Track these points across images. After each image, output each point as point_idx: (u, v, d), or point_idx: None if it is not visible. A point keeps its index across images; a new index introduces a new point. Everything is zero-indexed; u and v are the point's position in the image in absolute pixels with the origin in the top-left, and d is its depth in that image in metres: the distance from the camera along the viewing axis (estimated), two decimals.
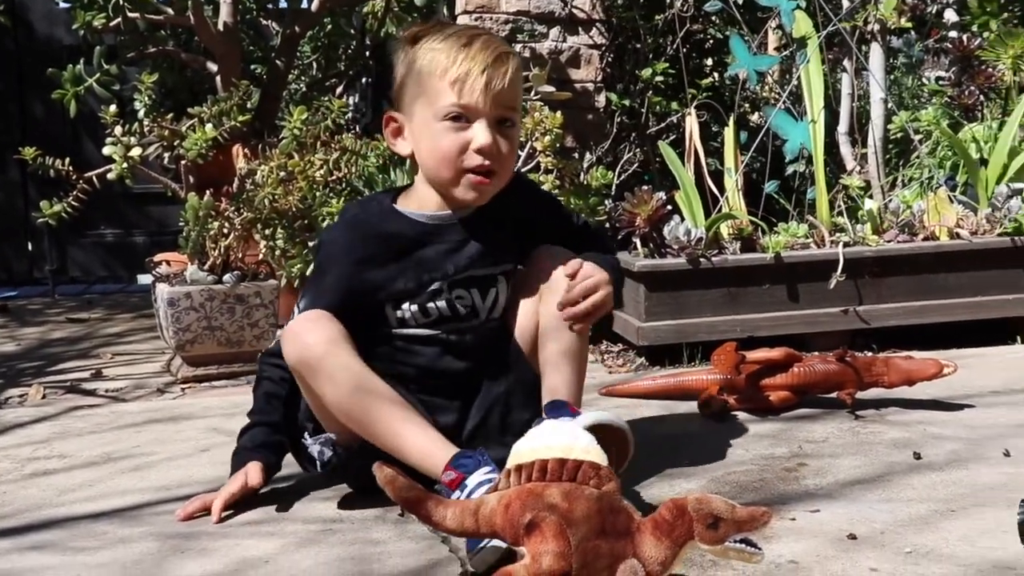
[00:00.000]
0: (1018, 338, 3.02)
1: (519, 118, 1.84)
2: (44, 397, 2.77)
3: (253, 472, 1.84)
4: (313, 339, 1.72)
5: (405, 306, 1.81)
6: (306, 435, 1.86)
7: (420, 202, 1.84)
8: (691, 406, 2.39)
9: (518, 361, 1.88)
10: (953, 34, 4.39)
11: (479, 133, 1.73)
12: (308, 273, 2.77)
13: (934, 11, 4.82)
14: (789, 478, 1.92)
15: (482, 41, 1.75)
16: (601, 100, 3.81)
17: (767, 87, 4.49)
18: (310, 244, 2.82)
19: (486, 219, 1.84)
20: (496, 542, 1.45)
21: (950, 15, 4.43)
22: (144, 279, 4.87)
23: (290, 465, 2.02)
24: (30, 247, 4.96)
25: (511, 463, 1.45)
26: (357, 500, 1.86)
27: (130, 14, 3.28)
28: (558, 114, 3.05)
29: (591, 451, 1.43)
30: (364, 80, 4.28)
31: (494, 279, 1.87)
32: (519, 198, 1.88)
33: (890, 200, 3.21)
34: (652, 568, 1.33)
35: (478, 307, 1.86)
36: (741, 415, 2.35)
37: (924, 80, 4.58)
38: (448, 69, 1.72)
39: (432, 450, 1.69)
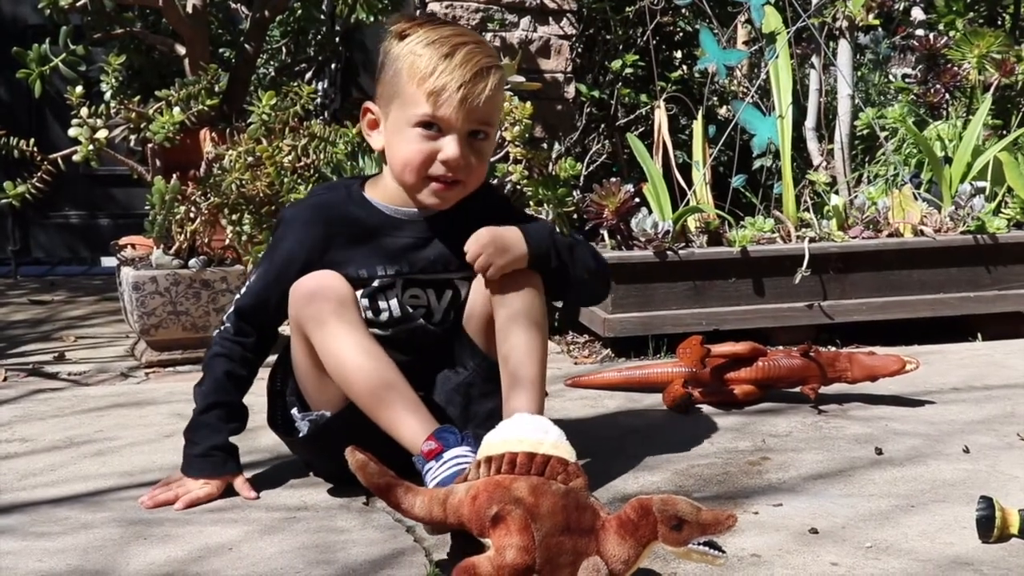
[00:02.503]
0: (978, 335, 3.05)
1: (495, 130, 1.83)
2: (5, 380, 2.73)
3: (243, 489, 1.83)
4: (325, 295, 1.73)
5: (357, 295, 1.80)
6: (295, 411, 1.87)
7: (386, 194, 1.84)
8: (656, 399, 2.40)
9: (474, 352, 1.87)
10: (920, 32, 4.45)
11: (448, 146, 1.72)
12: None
13: (901, 8, 4.87)
14: (752, 472, 1.93)
15: (466, 52, 1.72)
16: (571, 91, 3.81)
17: (736, 81, 4.51)
18: None
19: (452, 222, 1.82)
20: None
21: (917, 13, 4.48)
22: (108, 262, 4.81)
23: (253, 452, 2.02)
24: None
25: (481, 454, 1.46)
26: (322, 489, 1.85)
27: None
28: (528, 104, 3.04)
29: (560, 446, 1.44)
30: (334, 66, 4.25)
31: (451, 283, 1.86)
32: (490, 209, 1.86)
33: (856, 196, 3.24)
34: (615, 567, 1.34)
35: (433, 308, 1.86)
36: (706, 408, 2.36)
37: (891, 77, 4.61)
38: (426, 78, 1.70)
39: (417, 426, 1.70)
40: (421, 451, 1.66)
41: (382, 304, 1.83)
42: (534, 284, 1.79)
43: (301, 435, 1.85)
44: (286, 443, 1.92)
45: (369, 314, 1.82)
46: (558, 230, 1.93)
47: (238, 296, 1.88)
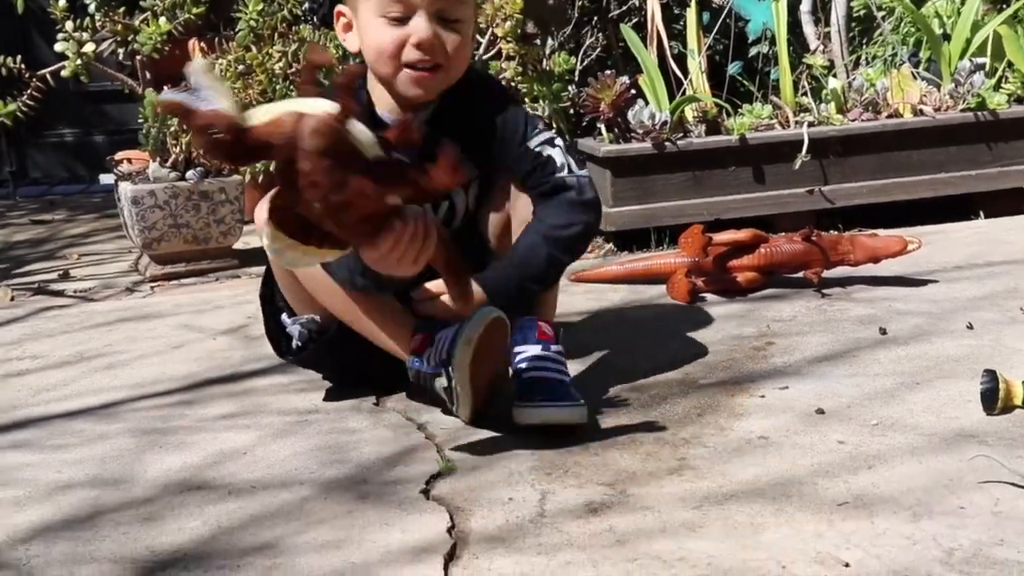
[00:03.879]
0: (980, 213, 3.04)
1: (469, 15, 1.73)
2: (12, 299, 2.74)
3: None
4: None
5: None
6: (284, 316, 1.84)
7: (382, 100, 1.79)
8: (660, 290, 2.40)
9: (490, 258, 1.79)
10: None
11: (417, 27, 1.65)
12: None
13: None
14: (758, 357, 1.94)
15: None
16: None
17: None
18: None
19: (443, 125, 1.76)
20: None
21: None
22: (106, 179, 4.80)
23: (261, 359, 2.03)
24: None
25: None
26: (331, 392, 1.87)
27: None
28: None
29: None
30: None
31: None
32: (483, 104, 1.78)
33: (854, 79, 3.19)
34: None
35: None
36: (709, 297, 2.36)
37: None
38: None
39: (401, 329, 1.70)
40: (412, 348, 1.67)
41: None
42: None
43: (292, 357, 1.84)
44: (285, 360, 1.90)
45: None
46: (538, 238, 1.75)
47: None
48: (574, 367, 1.85)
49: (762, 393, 1.75)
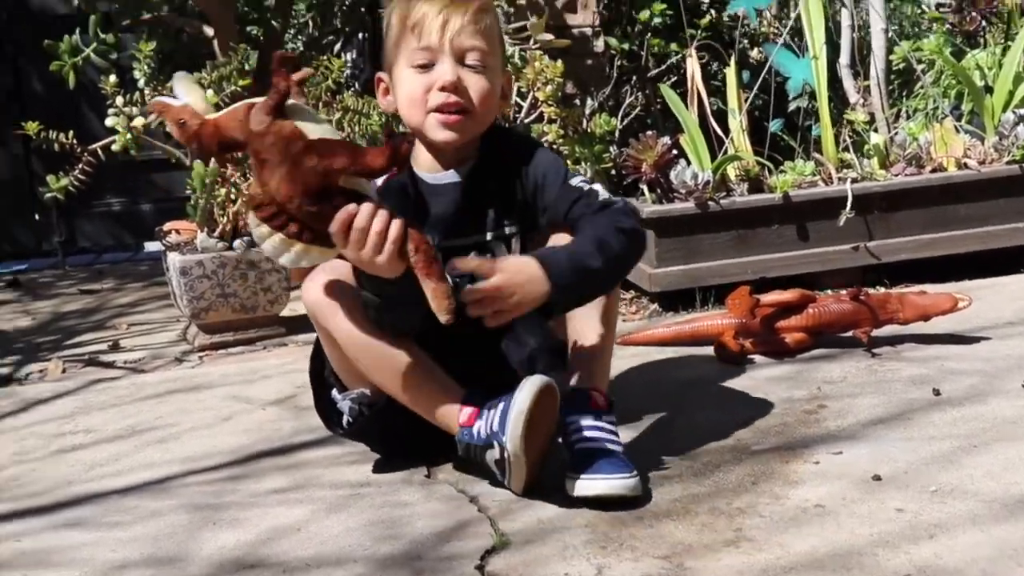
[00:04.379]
0: None
1: (495, 64, 1.76)
2: (64, 371, 2.77)
3: None
4: (328, 286, 1.73)
5: None
6: (334, 392, 1.85)
7: (423, 161, 1.81)
8: (707, 351, 2.39)
9: (534, 326, 1.76)
10: None
11: (442, 71, 1.71)
12: None
13: None
14: (810, 420, 1.92)
15: None
16: (599, 45, 3.76)
17: (765, 22, 4.44)
18: None
19: (483, 179, 1.78)
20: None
21: None
22: (151, 246, 4.87)
23: (312, 431, 2.03)
24: (37, 219, 4.94)
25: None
26: (382, 464, 1.87)
27: None
28: (559, 63, 3.01)
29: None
30: (361, 36, 4.24)
31: (486, 246, 1.79)
32: (521, 157, 1.80)
33: (896, 133, 3.18)
34: None
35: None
36: (758, 358, 2.35)
37: (924, 8, 4.52)
38: (409, 15, 1.72)
39: (447, 404, 1.70)
40: (460, 424, 1.68)
41: None
42: None
43: (343, 431, 1.85)
44: (335, 434, 1.91)
45: None
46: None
47: None
48: (624, 433, 1.82)
49: (816, 459, 1.73)
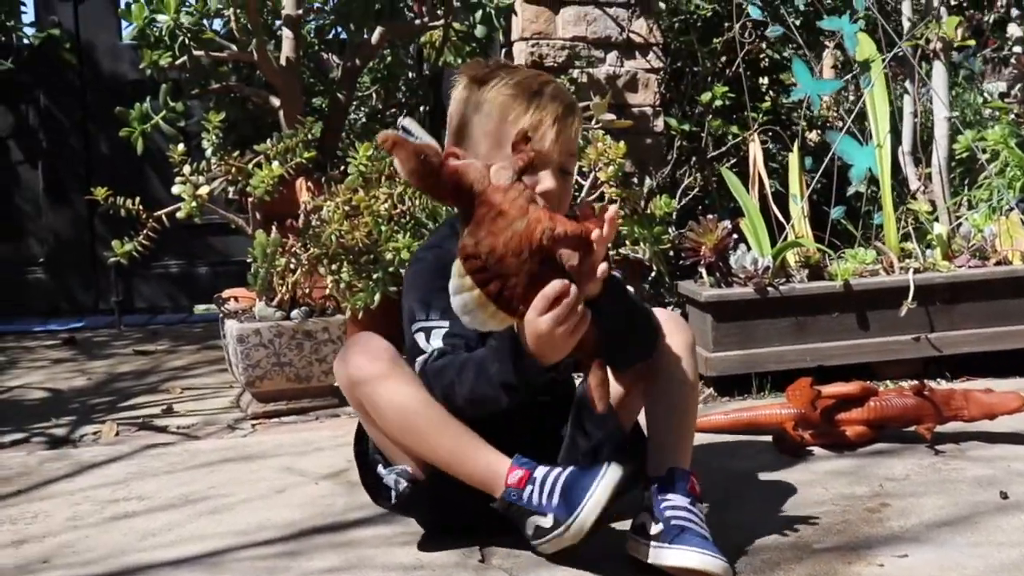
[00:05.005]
0: None
1: (575, 166, 1.86)
2: (118, 434, 2.79)
3: None
4: (369, 358, 1.75)
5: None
6: (380, 467, 1.86)
7: None
8: (765, 441, 2.36)
9: (608, 417, 1.77)
10: (1017, 49, 4.33)
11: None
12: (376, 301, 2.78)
13: (991, 20, 4.76)
14: (873, 519, 1.88)
15: (552, 88, 1.79)
16: (659, 124, 3.79)
17: (825, 106, 4.44)
18: (375, 277, 2.82)
19: None
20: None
21: (1014, 30, 4.37)
22: (200, 308, 4.92)
23: (362, 507, 2.02)
24: (96, 279, 5.02)
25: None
26: (434, 542, 1.85)
27: (195, 52, 3.31)
28: (621, 144, 3.03)
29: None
30: (423, 109, 4.29)
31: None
32: None
33: (959, 223, 3.16)
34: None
35: None
36: (817, 451, 2.31)
37: (986, 96, 4.51)
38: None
39: (494, 460, 1.70)
40: (507, 483, 1.67)
41: None
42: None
43: (392, 503, 1.84)
44: (383, 507, 1.90)
45: None
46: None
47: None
48: None
49: (880, 561, 1.69)
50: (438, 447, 1.73)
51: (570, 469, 1.65)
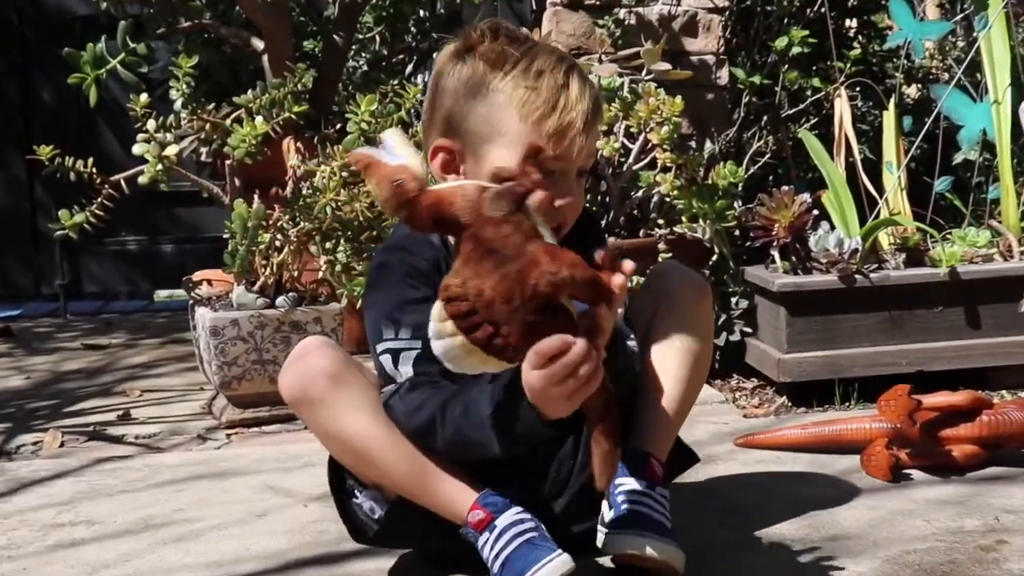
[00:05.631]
0: None
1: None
2: (62, 445, 2.80)
3: None
4: (301, 379, 1.79)
5: None
6: (356, 492, 1.90)
7: None
8: (852, 462, 2.35)
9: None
10: None
11: (564, 188, 1.77)
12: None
13: None
14: (987, 560, 1.87)
15: (578, 81, 1.77)
16: (723, 76, 3.77)
17: (928, 55, 4.41)
18: None
19: None
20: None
21: None
22: (162, 294, 4.95)
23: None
24: (37, 257, 5.03)
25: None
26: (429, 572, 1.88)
27: None
28: (677, 99, 3.02)
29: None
30: (436, 56, 4.29)
31: None
32: (584, 239, 1.81)
33: None
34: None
35: None
36: (916, 475, 2.31)
37: None
38: (545, 120, 1.74)
39: (457, 494, 1.76)
40: (468, 522, 1.73)
41: None
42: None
43: (370, 536, 1.90)
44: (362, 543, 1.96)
45: None
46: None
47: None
48: (751, 559, 1.83)
49: None
50: (394, 475, 1.79)
51: (523, 539, 1.69)
